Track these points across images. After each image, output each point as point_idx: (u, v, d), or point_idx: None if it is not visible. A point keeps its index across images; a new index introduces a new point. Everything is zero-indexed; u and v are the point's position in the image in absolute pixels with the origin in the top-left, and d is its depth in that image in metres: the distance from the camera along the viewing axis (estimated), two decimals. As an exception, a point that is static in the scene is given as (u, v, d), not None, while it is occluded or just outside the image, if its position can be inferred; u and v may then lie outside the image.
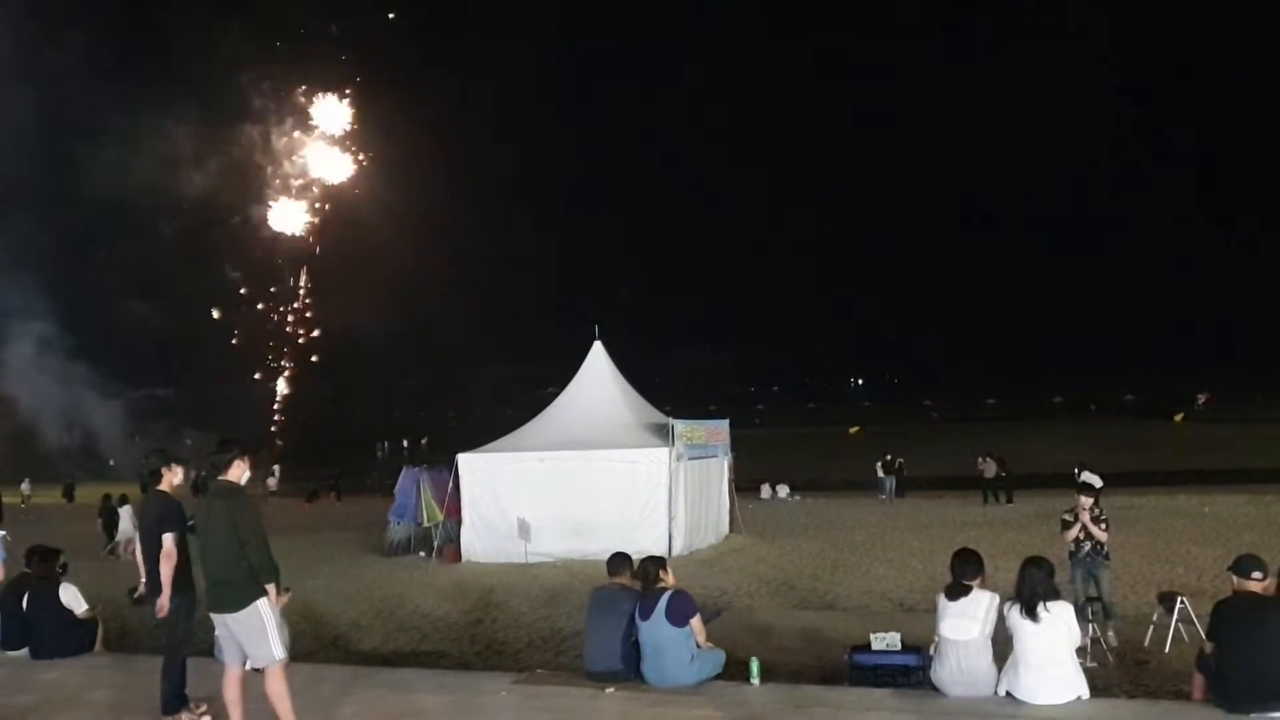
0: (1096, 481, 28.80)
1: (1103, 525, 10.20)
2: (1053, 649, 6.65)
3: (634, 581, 7.90)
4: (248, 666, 6.51)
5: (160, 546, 6.85)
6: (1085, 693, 6.74)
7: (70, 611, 9.33)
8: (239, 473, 6.59)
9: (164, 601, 6.79)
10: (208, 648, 8.91)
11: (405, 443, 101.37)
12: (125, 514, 23.00)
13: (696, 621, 7.56)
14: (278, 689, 6.34)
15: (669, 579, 7.78)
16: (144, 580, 7.11)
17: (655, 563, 7.90)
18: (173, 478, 7.28)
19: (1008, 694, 6.74)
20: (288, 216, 64.35)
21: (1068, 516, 10.43)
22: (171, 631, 6.99)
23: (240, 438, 6.99)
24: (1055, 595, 6.82)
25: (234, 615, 6.32)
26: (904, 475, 38.10)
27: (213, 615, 6.47)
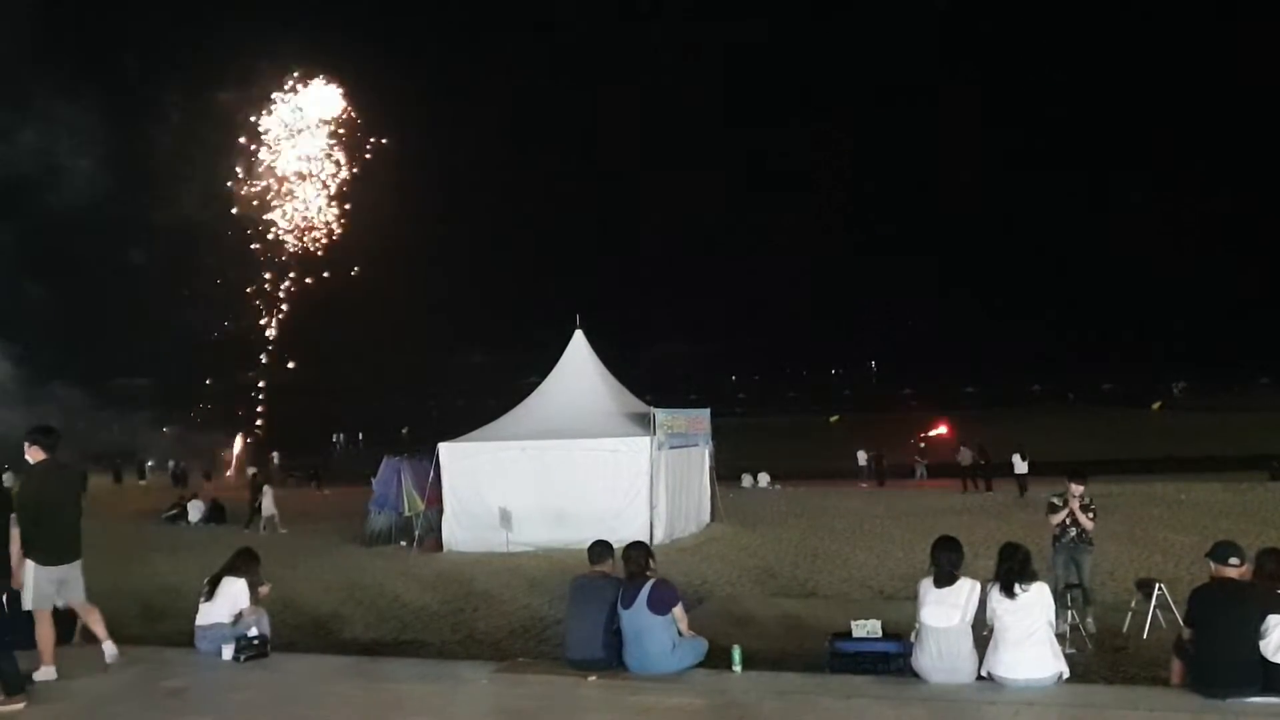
0: (1022, 467, 29.16)
1: (1090, 515, 10.20)
2: (1030, 626, 6.78)
3: (616, 569, 7.88)
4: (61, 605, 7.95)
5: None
6: (1065, 670, 6.83)
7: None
8: (37, 455, 7.72)
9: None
10: (185, 639, 8.90)
11: (361, 435, 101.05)
12: (268, 492, 25.66)
13: (679, 610, 7.54)
14: (98, 615, 8.09)
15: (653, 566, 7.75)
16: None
17: (640, 550, 7.83)
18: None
19: (988, 675, 6.82)
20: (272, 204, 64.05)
21: (1056, 501, 10.38)
22: None
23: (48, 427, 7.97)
24: (1032, 577, 6.94)
25: (77, 561, 7.88)
26: (883, 464, 38.34)
27: (57, 567, 7.68)
